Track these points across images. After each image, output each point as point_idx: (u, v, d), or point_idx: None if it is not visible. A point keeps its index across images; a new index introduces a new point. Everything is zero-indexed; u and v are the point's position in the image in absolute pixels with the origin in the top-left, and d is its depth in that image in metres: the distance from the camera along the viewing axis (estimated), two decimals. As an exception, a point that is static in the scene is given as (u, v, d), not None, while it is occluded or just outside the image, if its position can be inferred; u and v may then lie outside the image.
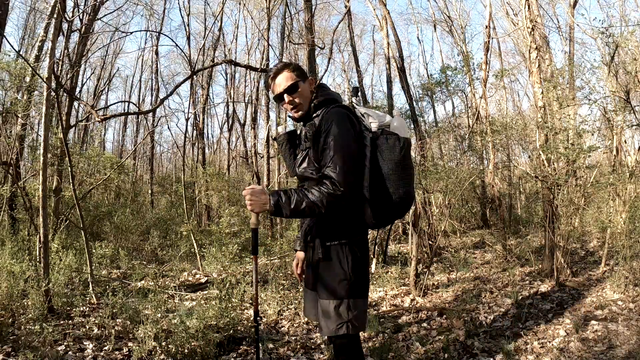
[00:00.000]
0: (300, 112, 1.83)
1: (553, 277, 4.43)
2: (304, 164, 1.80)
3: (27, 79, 5.94)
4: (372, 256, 5.08)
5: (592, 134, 5.09)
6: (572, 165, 4.59)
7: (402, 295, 4.39)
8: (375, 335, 3.25)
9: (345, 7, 10.51)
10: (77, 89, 10.79)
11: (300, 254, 2.08)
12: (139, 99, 19.40)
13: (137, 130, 19.22)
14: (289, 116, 1.90)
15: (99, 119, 5.59)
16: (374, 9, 10.24)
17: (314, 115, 1.80)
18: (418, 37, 27.97)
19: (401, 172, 1.70)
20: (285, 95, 1.79)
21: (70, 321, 3.38)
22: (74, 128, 10.94)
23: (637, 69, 4.88)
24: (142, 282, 4.69)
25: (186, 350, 2.78)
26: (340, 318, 1.69)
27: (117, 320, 3.29)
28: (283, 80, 1.79)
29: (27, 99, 6.00)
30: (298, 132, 1.95)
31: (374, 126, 1.76)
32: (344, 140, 1.66)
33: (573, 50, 10.24)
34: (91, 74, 17.62)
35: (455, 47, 13.98)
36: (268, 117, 12.43)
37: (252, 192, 1.66)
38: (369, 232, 2.05)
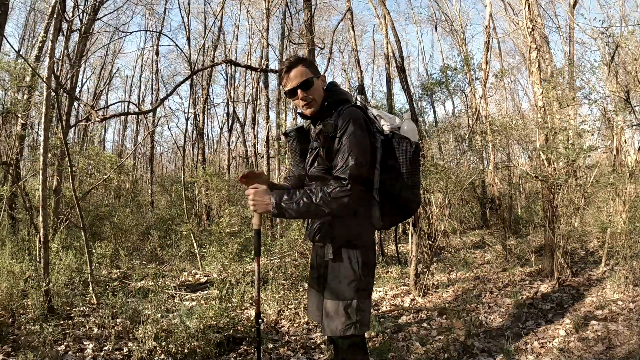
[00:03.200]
0: (312, 109, 1.78)
1: (553, 277, 4.43)
2: (315, 164, 1.76)
3: (27, 79, 5.93)
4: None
5: (592, 134, 5.09)
6: (572, 165, 4.59)
7: (402, 295, 4.39)
8: (375, 335, 3.25)
9: (346, 6, 10.51)
10: (77, 89, 10.80)
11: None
12: (139, 99, 19.41)
13: (137, 130, 19.21)
14: (299, 113, 1.86)
15: (99, 119, 5.59)
16: (375, 8, 10.25)
17: (327, 114, 1.76)
18: (418, 33, 27.86)
19: (411, 176, 1.70)
20: (299, 91, 1.73)
21: (70, 321, 3.38)
22: (74, 128, 10.94)
23: (637, 69, 4.88)
24: (142, 282, 4.69)
25: (186, 350, 2.77)
26: (349, 319, 1.68)
27: (117, 320, 3.29)
28: (297, 75, 1.73)
29: (27, 99, 5.99)
30: (307, 129, 1.90)
31: (386, 129, 1.74)
32: (358, 142, 1.62)
33: (573, 50, 10.25)
34: (91, 74, 17.65)
35: (455, 47, 13.99)
36: (268, 117, 12.42)
37: (255, 192, 1.63)
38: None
